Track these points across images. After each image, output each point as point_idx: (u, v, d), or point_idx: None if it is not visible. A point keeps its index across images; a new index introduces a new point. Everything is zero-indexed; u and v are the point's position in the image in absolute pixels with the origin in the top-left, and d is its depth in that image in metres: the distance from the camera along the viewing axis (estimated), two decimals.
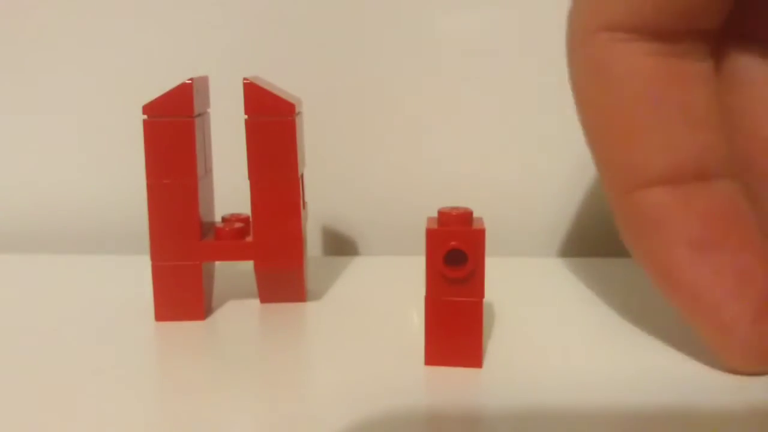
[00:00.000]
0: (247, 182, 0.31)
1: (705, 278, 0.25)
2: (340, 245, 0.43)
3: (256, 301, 0.33)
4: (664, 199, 0.25)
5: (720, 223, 0.25)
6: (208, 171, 0.32)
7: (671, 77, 0.25)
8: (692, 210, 0.25)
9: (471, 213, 0.25)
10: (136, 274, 0.34)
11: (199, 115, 0.31)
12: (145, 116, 0.29)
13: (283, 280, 0.32)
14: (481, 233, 0.25)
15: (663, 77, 0.24)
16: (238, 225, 0.31)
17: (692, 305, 0.25)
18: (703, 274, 0.25)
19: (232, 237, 0.31)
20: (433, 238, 0.25)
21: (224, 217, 0.33)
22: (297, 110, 0.31)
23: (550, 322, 0.30)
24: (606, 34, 0.24)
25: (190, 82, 0.30)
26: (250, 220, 0.32)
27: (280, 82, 0.33)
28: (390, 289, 0.35)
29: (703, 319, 0.25)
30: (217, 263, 0.33)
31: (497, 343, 0.28)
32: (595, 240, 0.41)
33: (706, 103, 0.25)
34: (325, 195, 0.40)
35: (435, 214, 0.26)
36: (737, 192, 0.25)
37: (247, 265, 0.32)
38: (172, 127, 0.30)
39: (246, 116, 0.30)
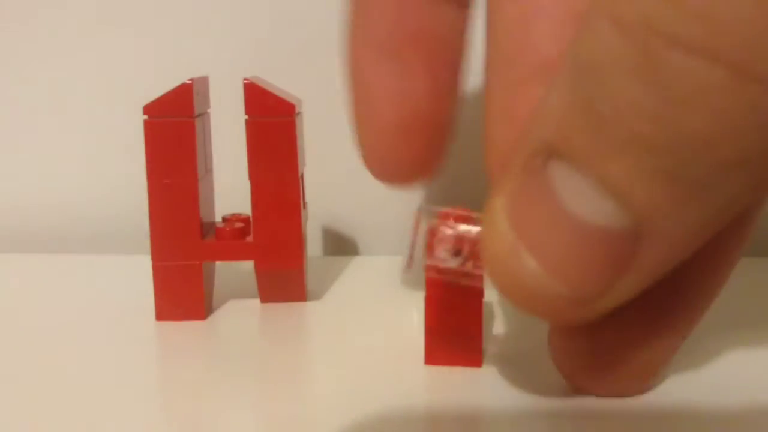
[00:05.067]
0: (248, 182, 0.31)
1: None
2: (341, 245, 0.43)
3: (257, 301, 0.33)
4: None
5: None
6: (209, 171, 0.32)
7: None
8: None
9: (470, 213, 0.25)
10: (137, 274, 0.34)
11: (200, 115, 0.31)
12: (146, 116, 0.30)
13: (284, 279, 0.32)
14: (480, 233, 0.25)
15: None
16: (238, 225, 0.32)
17: None
18: None
19: (233, 237, 0.31)
20: (432, 238, 0.25)
21: (225, 217, 0.33)
22: (297, 110, 0.31)
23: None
24: None
25: (190, 82, 0.30)
26: (251, 219, 0.32)
27: (280, 82, 0.33)
28: (390, 289, 0.35)
29: None
30: (218, 263, 0.33)
31: (497, 343, 0.28)
32: None
33: None
34: (325, 195, 0.40)
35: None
36: None
37: (248, 265, 0.32)
38: (173, 128, 0.30)
39: (246, 116, 0.30)
